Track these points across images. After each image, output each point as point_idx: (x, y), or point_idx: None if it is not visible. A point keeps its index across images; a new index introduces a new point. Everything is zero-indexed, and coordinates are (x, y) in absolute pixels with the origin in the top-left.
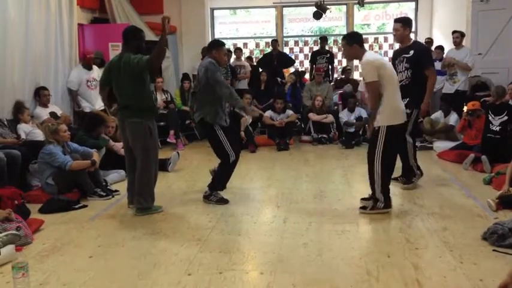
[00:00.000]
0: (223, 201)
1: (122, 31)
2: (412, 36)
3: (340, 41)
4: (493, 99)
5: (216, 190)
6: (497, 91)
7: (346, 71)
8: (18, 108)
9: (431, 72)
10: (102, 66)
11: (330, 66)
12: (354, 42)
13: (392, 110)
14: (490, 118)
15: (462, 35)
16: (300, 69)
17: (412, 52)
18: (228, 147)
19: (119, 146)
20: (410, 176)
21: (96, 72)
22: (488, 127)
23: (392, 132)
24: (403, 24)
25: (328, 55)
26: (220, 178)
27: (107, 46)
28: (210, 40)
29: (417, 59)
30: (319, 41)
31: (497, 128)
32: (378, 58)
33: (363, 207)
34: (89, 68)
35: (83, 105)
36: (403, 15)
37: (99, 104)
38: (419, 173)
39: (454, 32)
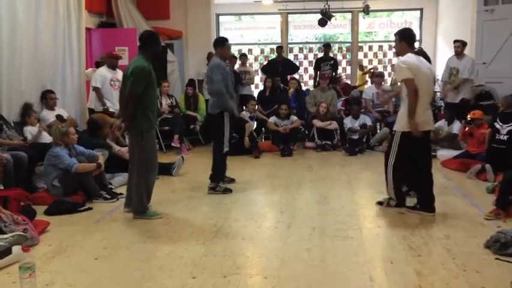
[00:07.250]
0: (228, 191)
1: (140, 35)
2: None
3: (344, 49)
4: (502, 109)
5: (218, 181)
6: (507, 100)
7: (338, 79)
8: (27, 110)
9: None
10: None
11: (333, 73)
12: (403, 39)
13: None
14: (498, 126)
15: (464, 44)
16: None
17: None
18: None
19: (124, 151)
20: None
21: (120, 74)
22: (494, 136)
23: (407, 139)
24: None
25: (332, 62)
26: (217, 168)
27: (113, 50)
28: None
29: None
30: (323, 48)
31: (505, 137)
32: (415, 62)
33: (380, 203)
34: (114, 68)
35: (107, 105)
36: (407, 24)
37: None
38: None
39: (455, 41)
